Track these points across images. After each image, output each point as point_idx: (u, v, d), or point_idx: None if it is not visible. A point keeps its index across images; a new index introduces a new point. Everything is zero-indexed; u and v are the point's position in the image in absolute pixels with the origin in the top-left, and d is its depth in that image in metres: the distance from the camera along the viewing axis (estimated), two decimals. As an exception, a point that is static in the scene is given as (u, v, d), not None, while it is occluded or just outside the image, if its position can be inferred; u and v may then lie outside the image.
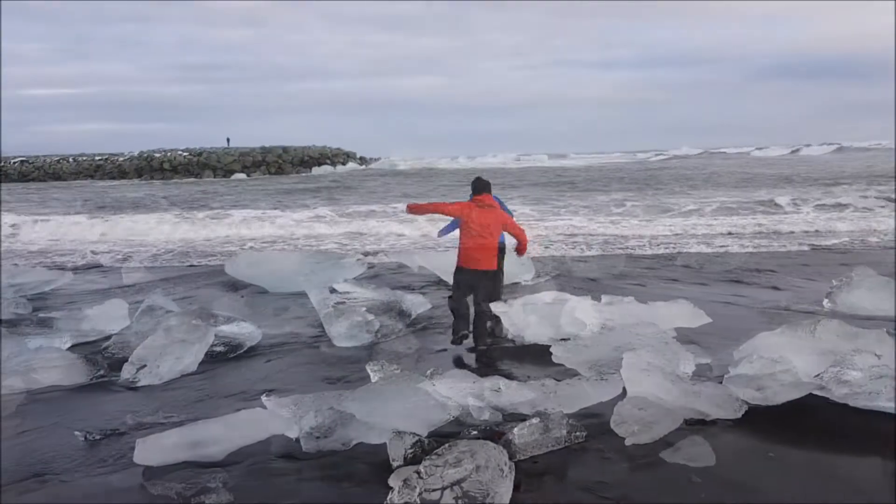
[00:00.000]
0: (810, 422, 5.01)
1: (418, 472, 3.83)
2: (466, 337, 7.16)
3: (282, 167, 64.03)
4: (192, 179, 58.01)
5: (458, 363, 6.84)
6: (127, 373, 6.51)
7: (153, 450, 4.52)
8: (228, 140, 68.86)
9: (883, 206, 20.99)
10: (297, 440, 4.82)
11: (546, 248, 15.51)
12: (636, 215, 21.87)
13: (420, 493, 3.72)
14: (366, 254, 14.92)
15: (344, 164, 66.86)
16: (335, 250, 15.97)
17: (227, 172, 61.15)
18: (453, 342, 7.21)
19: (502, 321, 7.49)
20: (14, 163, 67.48)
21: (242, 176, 59.62)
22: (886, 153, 63.48)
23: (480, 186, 7.12)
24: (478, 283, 7.07)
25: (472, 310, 7.29)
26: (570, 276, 11.66)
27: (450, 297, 7.30)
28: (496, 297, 7.43)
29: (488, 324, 7.40)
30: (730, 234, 17.27)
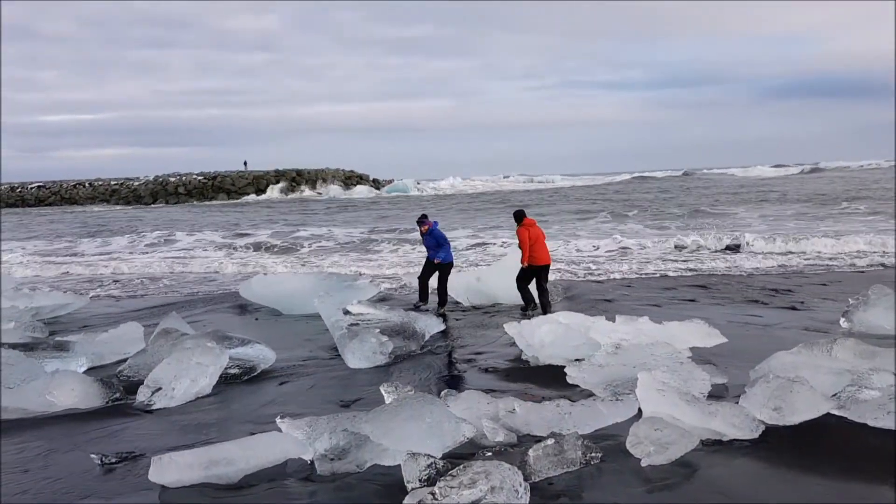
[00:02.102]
0: (828, 442, 4.95)
1: (433, 494, 3.82)
2: (535, 308, 10.33)
3: (295, 189, 64.46)
4: (206, 203, 58.53)
5: (472, 384, 6.83)
6: (142, 396, 6.53)
7: (169, 469, 4.53)
8: (246, 163, 69.43)
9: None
10: (312, 462, 4.82)
11: (559, 269, 15.48)
12: (649, 236, 21.79)
13: (435, 515, 3.70)
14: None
15: (340, 186, 66.65)
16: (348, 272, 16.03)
17: (242, 195, 61.72)
18: (523, 317, 9.67)
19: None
20: (32, 188, 68.36)
21: (254, 198, 60.40)
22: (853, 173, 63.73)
23: (521, 214, 10.62)
24: (540, 273, 10.43)
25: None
26: (583, 297, 11.64)
27: (519, 285, 10.47)
28: (547, 280, 10.67)
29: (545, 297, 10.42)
30: (751, 255, 17.15)
